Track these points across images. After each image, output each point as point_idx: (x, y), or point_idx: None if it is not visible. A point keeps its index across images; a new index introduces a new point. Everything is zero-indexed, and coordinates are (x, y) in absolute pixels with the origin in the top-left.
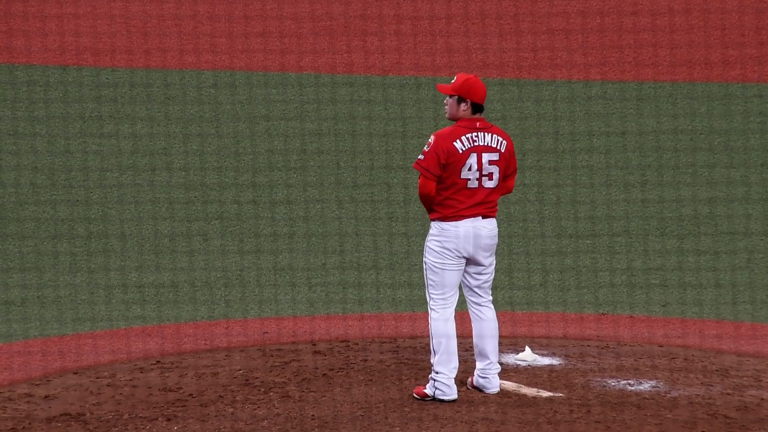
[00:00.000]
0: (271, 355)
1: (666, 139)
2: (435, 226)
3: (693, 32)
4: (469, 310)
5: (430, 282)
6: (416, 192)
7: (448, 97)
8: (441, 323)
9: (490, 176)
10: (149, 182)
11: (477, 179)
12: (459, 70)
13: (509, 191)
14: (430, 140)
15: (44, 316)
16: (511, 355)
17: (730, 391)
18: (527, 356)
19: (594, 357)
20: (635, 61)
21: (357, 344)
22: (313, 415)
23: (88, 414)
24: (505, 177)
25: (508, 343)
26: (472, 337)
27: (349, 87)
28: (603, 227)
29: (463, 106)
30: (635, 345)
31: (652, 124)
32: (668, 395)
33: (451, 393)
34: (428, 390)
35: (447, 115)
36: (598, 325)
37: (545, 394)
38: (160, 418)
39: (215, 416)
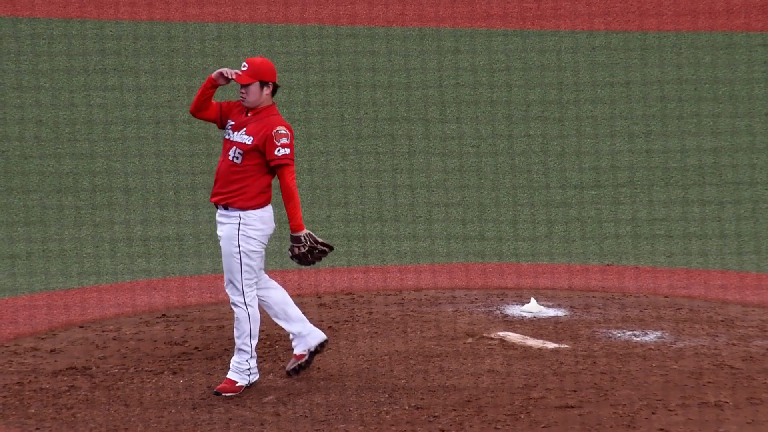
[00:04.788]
0: None
1: (670, 89)
2: (249, 215)
3: None
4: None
5: (246, 269)
6: (420, 143)
7: (242, 87)
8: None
9: None
10: (153, 135)
11: None
12: (463, 21)
13: None
14: (283, 131)
15: (49, 269)
16: (516, 307)
17: (735, 342)
18: (532, 308)
19: (599, 308)
20: (639, 10)
21: (362, 297)
22: (318, 368)
23: (94, 368)
24: None
25: (514, 294)
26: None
27: (352, 38)
28: (607, 178)
29: (266, 90)
30: (640, 296)
31: (656, 73)
32: (673, 346)
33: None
34: (242, 381)
35: (248, 103)
36: (603, 276)
37: (551, 345)
38: (165, 372)
39: (221, 369)
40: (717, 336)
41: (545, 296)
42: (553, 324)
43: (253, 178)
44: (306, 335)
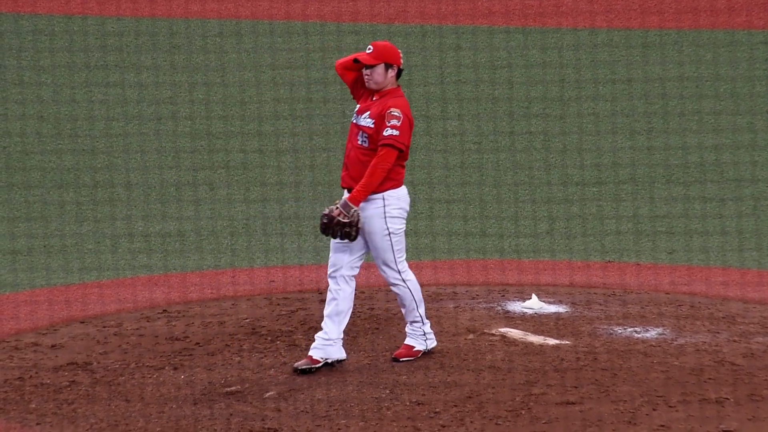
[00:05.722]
0: (278, 304)
1: (671, 87)
2: (391, 195)
3: None
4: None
5: (398, 249)
6: (422, 140)
7: (366, 68)
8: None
9: None
10: (155, 131)
11: None
12: (464, 18)
13: None
14: (396, 113)
15: (50, 265)
16: (517, 303)
17: (736, 338)
18: (534, 304)
19: (600, 305)
20: (641, 8)
21: (363, 293)
22: None
23: (94, 363)
24: None
25: (515, 291)
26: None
27: (354, 35)
28: (609, 175)
29: (390, 72)
30: (641, 292)
31: (657, 71)
32: (675, 342)
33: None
34: (420, 346)
35: (372, 84)
36: (604, 273)
37: (552, 341)
38: (167, 367)
39: (222, 365)
40: (718, 333)
41: (546, 292)
42: (554, 320)
43: None
44: (333, 345)
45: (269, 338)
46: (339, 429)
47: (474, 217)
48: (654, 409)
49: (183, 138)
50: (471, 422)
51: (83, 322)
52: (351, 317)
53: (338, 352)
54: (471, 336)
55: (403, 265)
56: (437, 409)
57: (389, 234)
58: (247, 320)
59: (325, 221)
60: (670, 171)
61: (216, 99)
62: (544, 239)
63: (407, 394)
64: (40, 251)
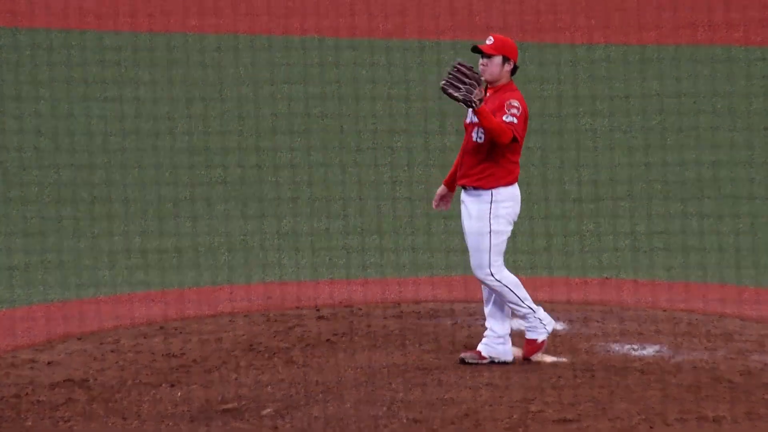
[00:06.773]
0: (275, 321)
1: (669, 102)
2: (501, 193)
3: None
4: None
5: (495, 252)
6: (420, 156)
7: (483, 57)
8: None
9: None
10: (153, 147)
11: None
12: (462, 33)
13: None
14: (515, 104)
15: (47, 281)
16: (515, 320)
17: (733, 356)
18: None
19: (598, 321)
20: (638, 23)
21: (361, 309)
22: (317, 381)
23: (91, 380)
24: None
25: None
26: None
27: (352, 50)
28: (606, 191)
29: (506, 66)
30: (639, 309)
31: (655, 86)
32: (672, 360)
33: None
34: (542, 336)
35: (488, 75)
36: (601, 290)
37: (549, 359)
38: (163, 384)
39: (219, 382)
40: (715, 350)
41: (544, 309)
42: (551, 337)
43: (499, 156)
44: (502, 343)
45: (266, 355)
46: None
47: None
48: (651, 427)
49: (180, 153)
50: None
51: (80, 339)
52: (348, 334)
53: (507, 353)
54: (468, 353)
55: (497, 267)
56: (435, 427)
57: (490, 233)
58: (245, 337)
59: (466, 71)
60: (668, 187)
61: (214, 114)
62: (541, 256)
63: (404, 411)
64: (37, 267)
